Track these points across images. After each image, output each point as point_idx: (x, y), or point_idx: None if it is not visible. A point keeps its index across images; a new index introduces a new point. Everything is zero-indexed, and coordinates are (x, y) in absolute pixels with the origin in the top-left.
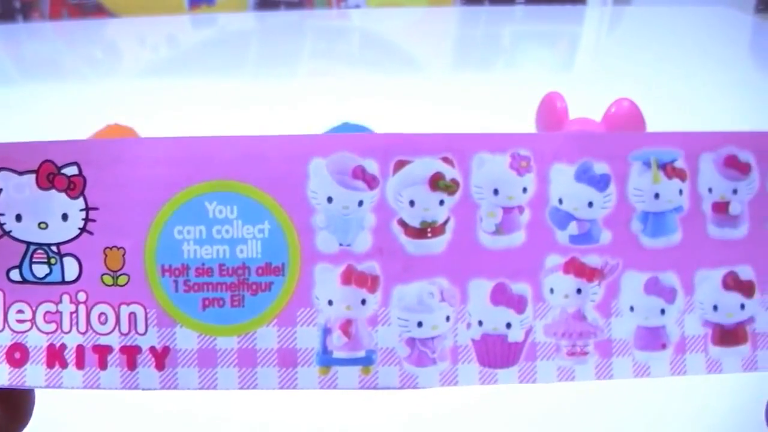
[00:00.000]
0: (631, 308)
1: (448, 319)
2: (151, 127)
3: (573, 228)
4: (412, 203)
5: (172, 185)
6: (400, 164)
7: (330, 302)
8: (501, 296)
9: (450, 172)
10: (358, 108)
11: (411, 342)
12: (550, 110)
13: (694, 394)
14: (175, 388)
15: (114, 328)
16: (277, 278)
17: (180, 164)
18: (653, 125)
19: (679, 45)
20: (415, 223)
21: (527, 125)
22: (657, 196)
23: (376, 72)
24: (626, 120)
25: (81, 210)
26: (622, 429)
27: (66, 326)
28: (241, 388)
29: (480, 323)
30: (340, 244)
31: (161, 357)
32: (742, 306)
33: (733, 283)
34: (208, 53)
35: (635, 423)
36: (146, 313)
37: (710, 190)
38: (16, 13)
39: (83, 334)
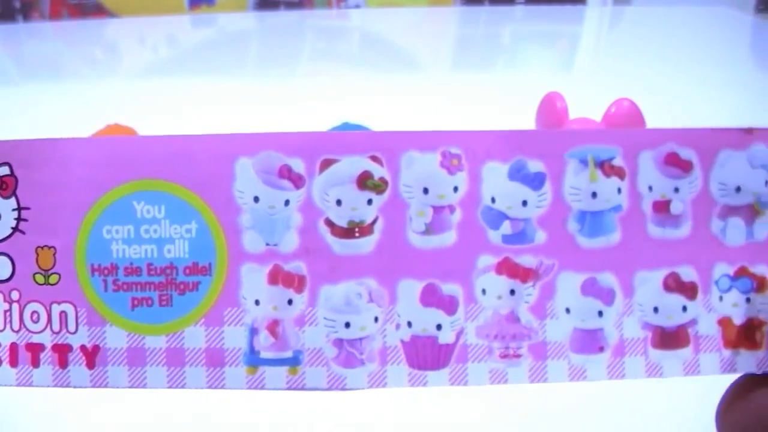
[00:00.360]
0: (567, 310)
1: (376, 320)
2: (151, 127)
3: (506, 227)
4: (339, 202)
5: (101, 185)
6: (327, 163)
7: (257, 302)
8: (431, 297)
9: (378, 171)
10: (358, 108)
11: (338, 343)
12: (550, 110)
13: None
14: (106, 386)
15: (46, 327)
16: (204, 278)
17: (108, 164)
18: (653, 125)
19: (679, 45)
20: (342, 222)
21: (527, 125)
22: (594, 194)
23: (376, 72)
24: (626, 120)
25: (13, 210)
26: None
27: (0, 324)
28: (170, 387)
29: (409, 324)
30: (267, 244)
31: (92, 355)
32: (684, 308)
33: (674, 284)
34: (208, 53)
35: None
36: (77, 312)
37: (650, 188)
38: (16, 13)
39: (16, 332)
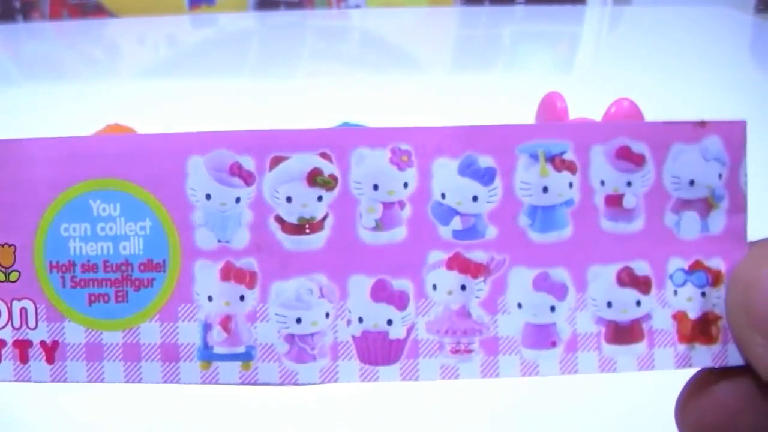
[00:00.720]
0: (519, 305)
1: (327, 315)
2: (152, 128)
3: (456, 223)
4: (289, 199)
5: (59, 184)
6: (277, 160)
7: (210, 298)
8: (381, 293)
9: (328, 168)
10: (358, 108)
11: (290, 338)
12: (550, 110)
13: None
14: (65, 381)
15: (7, 323)
16: (158, 274)
17: (65, 163)
18: None
19: (679, 45)
20: (292, 219)
21: None
22: (545, 189)
23: (376, 72)
24: (626, 120)
25: None
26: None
27: None
28: (127, 381)
29: (360, 320)
30: (219, 241)
31: (51, 351)
32: (638, 302)
33: (628, 278)
34: (208, 53)
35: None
36: (36, 308)
37: (602, 182)
38: (16, 13)
39: None
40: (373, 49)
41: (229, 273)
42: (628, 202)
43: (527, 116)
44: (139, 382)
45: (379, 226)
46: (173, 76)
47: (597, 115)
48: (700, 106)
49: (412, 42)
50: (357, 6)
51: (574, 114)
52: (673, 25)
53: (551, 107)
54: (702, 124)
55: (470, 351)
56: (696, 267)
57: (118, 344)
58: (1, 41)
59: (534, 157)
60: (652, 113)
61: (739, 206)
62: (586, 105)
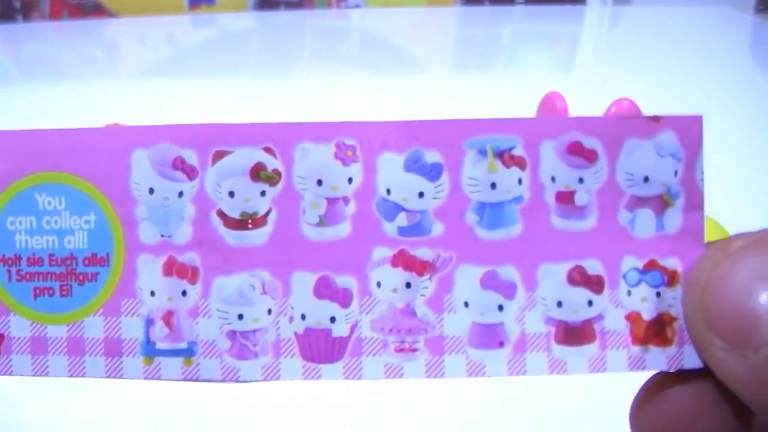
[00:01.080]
0: (466, 304)
1: (269, 312)
2: None
3: (402, 219)
4: (231, 194)
5: (4, 177)
6: (220, 154)
7: (152, 293)
8: (325, 289)
9: (272, 163)
10: (358, 108)
11: (232, 334)
12: (550, 110)
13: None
14: (11, 374)
15: None
16: (102, 268)
17: (11, 156)
18: None
19: (679, 45)
20: (234, 214)
21: None
22: (494, 185)
23: (376, 72)
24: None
25: None
26: None
27: None
28: (71, 375)
29: (303, 317)
30: (162, 235)
31: None
32: (590, 302)
33: (579, 277)
34: (208, 53)
35: None
36: None
37: (553, 179)
38: (16, 13)
39: None
40: (373, 49)
41: (172, 268)
42: (580, 199)
43: (527, 116)
44: (83, 376)
45: (322, 221)
46: (173, 76)
47: (597, 114)
48: (700, 106)
49: (412, 42)
50: (357, 6)
51: (574, 113)
52: (673, 25)
53: (551, 107)
54: (656, 119)
55: (415, 350)
56: (651, 266)
57: (63, 338)
58: (1, 41)
59: (482, 152)
60: (652, 113)
61: (695, 204)
62: (586, 105)
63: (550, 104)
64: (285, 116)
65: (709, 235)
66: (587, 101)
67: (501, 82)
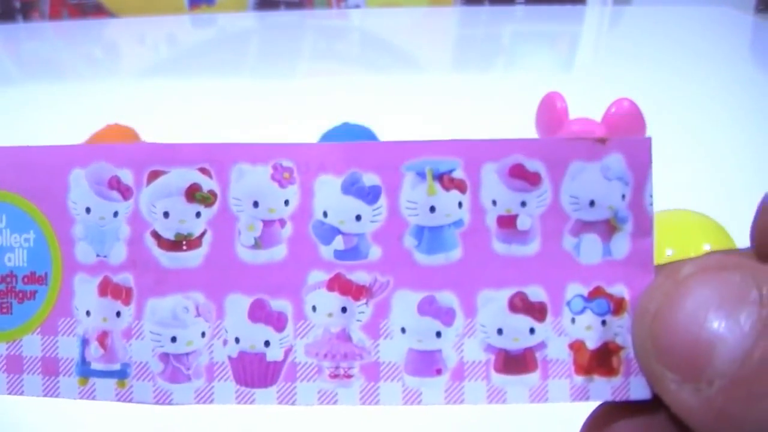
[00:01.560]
0: (403, 330)
1: (203, 335)
2: (151, 127)
3: (339, 242)
4: (166, 215)
5: None
6: (155, 174)
7: (88, 313)
8: (259, 313)
9: (207, 183)
10: (358, 108)
11: (165, 357)
12: (550, 110)
13: None
14: None
15: None
16: (41, 287)
17: None
18: (653, 125)
19: (679, 45)
20: (169, 235)
21: (527, 125)
22: (433, 209)
23: (376, 72)
24: (626, 120)
25: None
26: None
27: None
28: (9, 393)
29: (237, 340)
30: (98, 255)
31: None
32: (532, 330)
33: (521, 304)
34: (208, 53)
35: None
36: None
37: (494, 202)
38: (16, 13)
39: None
40: (373, 49)
41: (107, 288)
42: (522, 223)
43: (527, 116)
44: (21, 394)
45: (258, 244)
46: (173, 76)
47: (597, 115)
48: (701, 105)
49: (412, 42)
50: (357, 6)
51: (574, 114)
52: (673, 25)
53: (551, 107)
54: (602, 141)
55: (350, 376)
56: (597, 294)
57: (2, 356)
58: (1, 41)
59: (421, 175)
60: (652, 113)
61: (645, 230)
62: (586, 105)
63: (550, 104)
64: (285, 116)
65: (710, 236)
66: (587, 101)
67: (501, 82)
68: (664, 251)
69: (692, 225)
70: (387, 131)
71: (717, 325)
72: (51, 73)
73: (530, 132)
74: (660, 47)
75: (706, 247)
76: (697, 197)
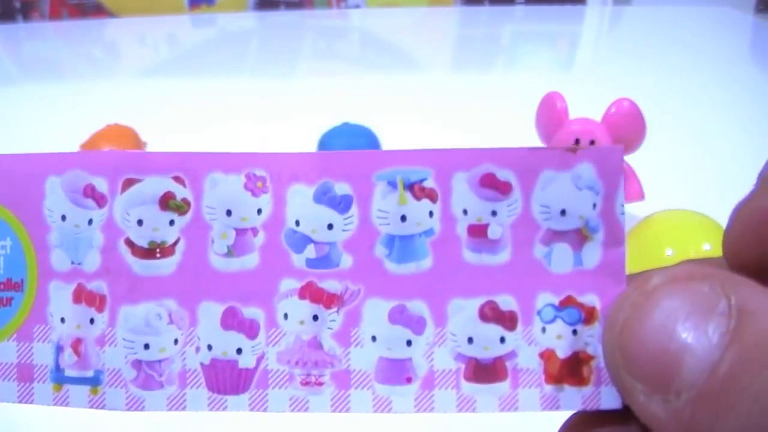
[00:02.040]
0: (374, 338)
1: (176, 342)
2: (151, 127)
3: (310, 251)
4: (140, 223)
5: None
6: (129, 183)
7: (62, 320)
8: (232, 320)
9: (181, 192)
10: (358, 108)
11: (137, 364)
12: (550, 110)
13: None
14: None
15: None
16: (17, 294)
17: None
18: (653, 125)
19: (679, 45)
20: (142, 243)
21: (527, 125)
22: (404, 218)
23: (376, 72)
24: (626, 120)
25: None
26: None
27: None
28: None
29: (209, 347)
30: (72, 262)
31: None
32: (502, 339)
33: (491, 313)
34: (208, 53)
35: None
36: None
37: (465, 211)
38: (16, 13)
39: None
40: (373, 49)
41: (81, 295)
42: (493, 232)
43: (527, 116)
44: None
45: (231, 252)
46: (173, 76)
47: (597, 115)
48: (700, 105)
49: (412, 42)
50: (357, 6)
51: (574, 114)
52: (673, 25)
53: (551, 107)
54: (573, 150)
55: (321, 383)
56: (568, 303)
57: None
58: (1, 41)
59: (392, 184)
60: (652, 113)
61: (616, 239)
62: (586, 105)
63: (550, 104)
64: (285, 116)
65: (710, 236)
66: (587, 101)
67: (501, 82)
68: (664, 251)
69: (692, 225)
70: (387, 131)
71: (685, 336)
72: (51, 73)
73: (530, 132)
74: (660, 47)
75: (706, 247)
76: (697, 197)
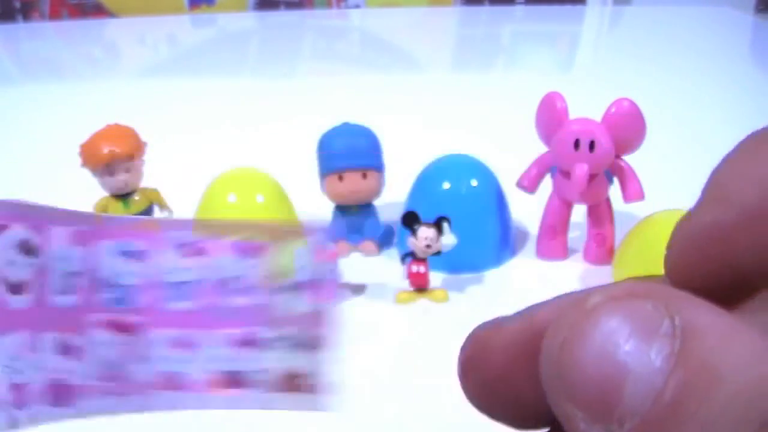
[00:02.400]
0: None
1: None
2: (151, 127)
3: (114, 292)
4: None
5: None
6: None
7: None
8: (62, 347)
9: (35, 239)
10: (358, 108)
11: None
12: (550, 110)
13: None
14: None
15: None
16: None
17: None
18: (653, 125)
19: (680, 45)
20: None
21: (527, 125)
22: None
23: (376, 72)
24: (626, 120)
25: None
26: None
27: None
28: None
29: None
30: None
31: None
32: (241, 359)
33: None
34: (208, 53)
35: None
36: None
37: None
38: (16, 13)
39: None
40: (373, 49)
41: None
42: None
43: (527, 116)
44: None
45: (63, 291)
46: (173, 76)
47: (597, 115)
48: (700, 105)
49: (412, 42)
50: (357, 6)
51: (574, 114)
52: (673, 25)
53: (551, 107)
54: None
55: (123, 393)
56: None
57: None
58: (1, 41)
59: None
60: (652, 113)
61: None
62: (586, 105)
63: (550, 104)
64: (285, 116)
65: None
66: (587, 101)
67: (501, 82)
68: (664, 251)
69: None
70: (387, 131)
71: (627, 359)
72: (51, 73)
73: (530, 131)
74: (660, 47)
75: None
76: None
